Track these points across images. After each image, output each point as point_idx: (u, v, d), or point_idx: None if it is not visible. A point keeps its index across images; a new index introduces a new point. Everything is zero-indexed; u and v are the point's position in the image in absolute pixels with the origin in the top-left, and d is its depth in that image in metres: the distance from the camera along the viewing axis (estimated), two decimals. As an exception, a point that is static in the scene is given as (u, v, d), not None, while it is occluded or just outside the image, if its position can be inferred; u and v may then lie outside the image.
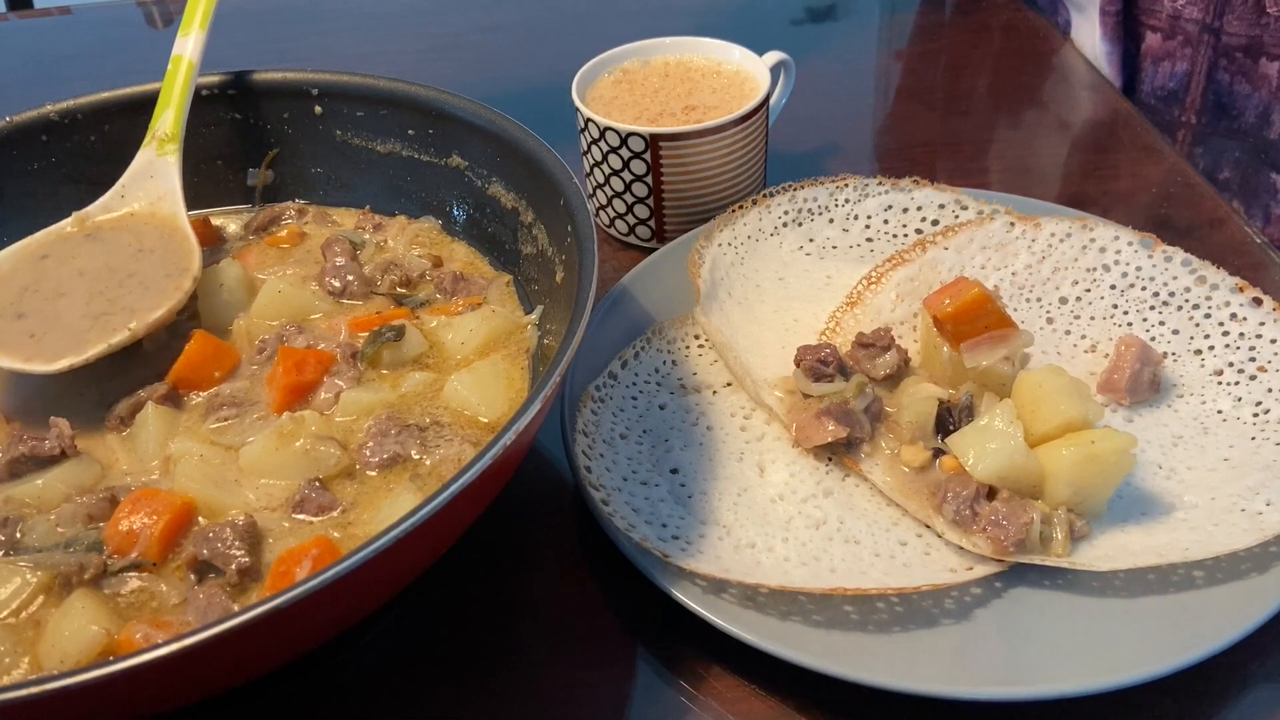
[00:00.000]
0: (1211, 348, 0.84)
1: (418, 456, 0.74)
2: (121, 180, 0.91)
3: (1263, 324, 0.84)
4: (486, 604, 0.76)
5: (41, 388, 0.81)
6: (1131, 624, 0.68)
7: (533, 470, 0.84)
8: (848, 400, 0.78)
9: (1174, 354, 0.85)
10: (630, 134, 0.97)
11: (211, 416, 0.78)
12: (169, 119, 0.91)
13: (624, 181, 1.01)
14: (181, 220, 0.88)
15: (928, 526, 0.74)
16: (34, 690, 0.49)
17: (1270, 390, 0.80)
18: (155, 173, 0.91)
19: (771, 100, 1.05)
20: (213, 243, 0.95)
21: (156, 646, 0.50)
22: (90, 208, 0.90)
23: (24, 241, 0.87)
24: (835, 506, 0.76)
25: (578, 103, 1.00)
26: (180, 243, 0.87)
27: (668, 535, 0.74)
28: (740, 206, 0.97)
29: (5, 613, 0.67)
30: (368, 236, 0.94)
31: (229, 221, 0.98)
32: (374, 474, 0.74)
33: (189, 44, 0.93)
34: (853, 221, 0.98)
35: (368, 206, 0.97)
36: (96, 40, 1.52)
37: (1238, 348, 0.83)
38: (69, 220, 0.89)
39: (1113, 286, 0.89)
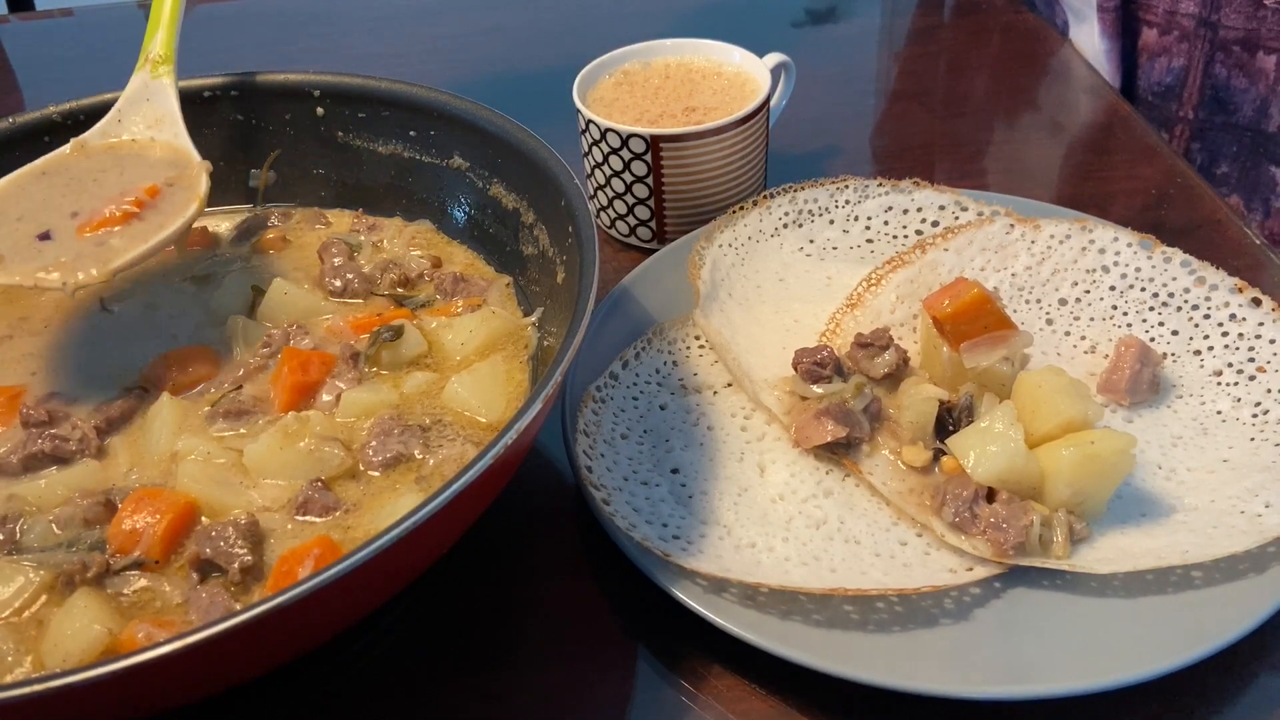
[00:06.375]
0: (1211, 348, 0.84)
1: (420, 456, 0.75)
2: (117, 105, 0.89)
3: (1261, 324, 0.84)
4: (487, 603, 0.76)
5: (64, 359, 0.82)
6: (1130, 624, 0.68)
7: (534, 470, 0.84)
8: (847, 400, 0.79)
9: (1173, 354, 0.85)
10: (631, 135, 0.97)
11: (218, 419, 0.78)
12: (160, 40, 0.90)
13: (625, 183, 1.01)
14: (183, 140, 0.87)
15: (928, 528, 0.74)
16: (36, 689, 0.49)
17: (1269, 391, 0.80)
18: (151, 95, 0.89)
19: (772, 102, 1.06)
20: (206, 246, 0.95)
21: (158, 645, 0.50)
22: (88, 134, 0.88)
23: (23, 168, 0.85)
24: (835, 506, 0.76)
25: (579, 104, 1.00)
26: (185, 166, 0.86)
27: (668, 535, 0.74)
28: (741, 207, 0.97)
29: (8, 611, 0.67)
30: (363, 238, 0.94)
31: (223, 224, 0.97)
32: (377, 474, 0.74)
33: None
34: (853, 223, 0.98)
35: (361, 209, 0.97)
36: (98, 42, 1.52)
37: (1237, 348, 0.84)
38: (67, 146, 0.87)
39: (1112, 287, 0.89)
